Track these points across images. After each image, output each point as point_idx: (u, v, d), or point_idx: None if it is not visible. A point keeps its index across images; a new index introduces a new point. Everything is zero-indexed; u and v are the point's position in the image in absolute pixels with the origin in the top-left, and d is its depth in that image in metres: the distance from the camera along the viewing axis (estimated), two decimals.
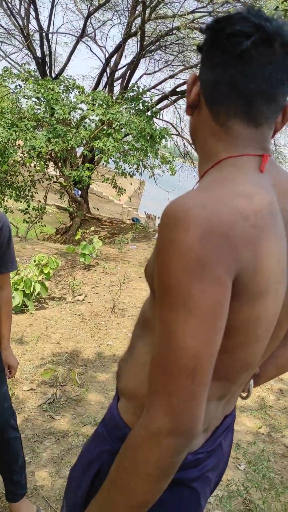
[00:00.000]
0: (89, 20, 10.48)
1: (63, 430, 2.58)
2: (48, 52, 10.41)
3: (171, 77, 11.52)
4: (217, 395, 0.83)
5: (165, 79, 11.73)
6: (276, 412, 2.98)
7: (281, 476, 2.35)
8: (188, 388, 0.65)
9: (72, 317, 4.39)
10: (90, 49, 12.49)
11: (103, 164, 8.84)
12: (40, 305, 4.69)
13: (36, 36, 10.42)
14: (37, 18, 9.84)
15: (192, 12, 8.93)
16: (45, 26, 10.17)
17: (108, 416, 0.92)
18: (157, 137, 7.79)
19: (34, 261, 4.97)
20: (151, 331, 0.82)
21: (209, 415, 0.85)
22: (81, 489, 0.90)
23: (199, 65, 0.84)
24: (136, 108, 8.40)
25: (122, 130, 7.77)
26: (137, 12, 9.41)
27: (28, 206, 8.75)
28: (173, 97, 11.15)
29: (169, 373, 0.66)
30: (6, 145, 7.40)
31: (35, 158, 7.81)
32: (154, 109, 8.77)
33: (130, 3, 9.69)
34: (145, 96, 8.95)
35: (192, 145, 0.89)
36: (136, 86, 8.78)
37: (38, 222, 9.29)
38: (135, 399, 0.86)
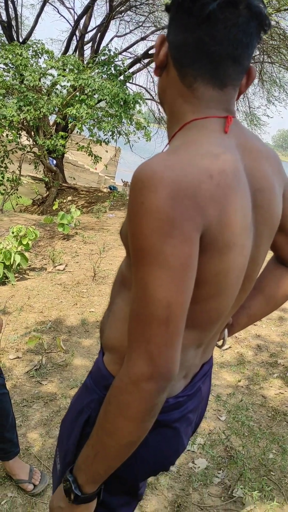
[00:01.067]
0: None
1: (51, 394, 2.67)
2: (14, 15, 9.99)
3: (142, 39, 11.25)
4: (195, 343, 0.90)
5: (136, 41, 11.45)
6: (254, 366, 3.12)
7: (259, 424, 2.50)
8: (163, 335, 0.71)
9: (53, 287, 4.43)
10: (58, 11, 12.08)
11: (77, 131, 8.69)
12: (21, 276, 4.71)
13: None
14: None
15: None
16: None
17: (95, 369, 0.98)
18: (131, 102, 7.67)
19: (13, 232, 4.95)
20: (128, 288, 0.88)
21: (188, 362, 0.92)
22: (72, 436, 0.97)
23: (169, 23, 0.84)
24: (108, 72, 8.22)
25: (95, 96, 7.62)
26: None
27: (3, 177, 8.59)
28: (146, 60, 10.91)
29: (145, 323, 0.72)
30: None
31: (7, 128, 7.62)
32: (126, 73, 8.60)
33: None
34: (116, 59, 8.74)
35: (160, 107, 0.91)
36: (107, 49, 8.56)
37: (14, 193, 9.15)
38: (117, 351, 0.92)
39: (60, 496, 0.88)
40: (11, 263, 4.46)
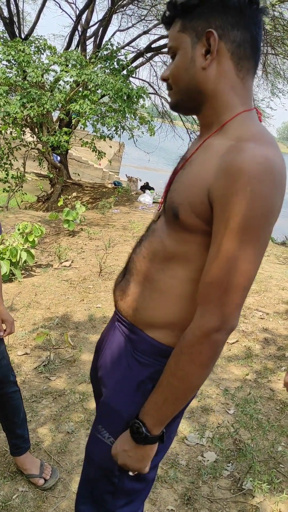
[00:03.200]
0: None
1: (59, 389, 2.68)
2: (15, 12, 9.98)
3: (145, 32, 11.19)
4: None
5: (139, 35, 11.39)
6: (262, 359, 3.12)
7: (268, 417, 2.51)
8: (238, 300, 0.87)
9: (60, 283, 4.45)
10: (60, 6, 12.02)
11: (81, 127, 8.67)
12: (27, 273, 4.73)
13: None
14: None
15: None
16: None
17: (146, 346, 1.06)
18: (135, 96, 7.63)
19: (18, 229, 4.96)
20: (182, 264, 0.99)
21: None
22: (134, 406, 1.05)
23: (210, 18, 0.92)
24: (111, 67, 8.18)
25: (98, 91, 7.59)
26: None
27: (7, 174, 8.59)
28: (149, 54, 10.86)
29: (227, 289, 0.86)
30: None
31: (11, 125, 7.61)
32: (129, 67, 8.56)
33: None
34: (119, 54, 8.70)
35: (184, 95, 0.97)
36: (109, 43, 8.51)
37: (19, 190, 9.16)
38: (175, 326, 1.01)
39: (123, 440, 1.02)
40: (18, 260, 4.47)
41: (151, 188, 11.78)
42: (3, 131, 7.96)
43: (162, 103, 12.78)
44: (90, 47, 10.74)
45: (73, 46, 10.56)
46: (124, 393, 1.08)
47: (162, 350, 1.03)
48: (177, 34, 0.96)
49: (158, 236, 1.03)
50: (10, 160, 8.67)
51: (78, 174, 11.95)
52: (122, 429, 1.06)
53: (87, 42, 10.62)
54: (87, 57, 8.98)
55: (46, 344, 3.17)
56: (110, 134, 8.45)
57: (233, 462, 2.16)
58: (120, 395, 1.09)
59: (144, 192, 10.69)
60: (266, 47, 10.29)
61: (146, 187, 12.62)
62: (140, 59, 11.02)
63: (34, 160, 9.84)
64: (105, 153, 9.10)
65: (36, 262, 5.03)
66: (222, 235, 0.85)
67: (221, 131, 0.94)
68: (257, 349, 3.27)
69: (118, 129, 8.40)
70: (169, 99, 1.06)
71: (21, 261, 4.51)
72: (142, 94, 7.82)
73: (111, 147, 12.37)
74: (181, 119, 13.24)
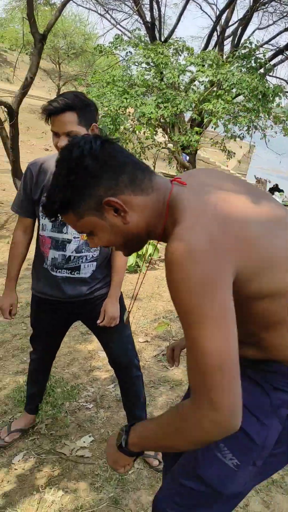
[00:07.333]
0: None
1: (177, 379, 2.73)
2: (157, 16, 10.32)
3: (286, 29, 10.72)
4: None
5: (280, 33, 10.95)
6: None
7: None
8: (220, 382, 0.79)
9: None
10: (200, 7, 12.12)
11: (212, 127, 8.68)
12: (151, 266, 4.89)
13: (146, 0, 10.37)
14: None
15: None
16: None
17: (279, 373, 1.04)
18: (270, 95, 7.40)
19: None
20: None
21: None
22: (270, 430, 1.03)
23: (92, 192, 0.93)
24: (248, 66, 8.03)
25: (232, 90, 7.51)
26: None
27: None
28: None
29: (203, 373, 0.80)
30: (118, 113, 7.61)
31: (145, 125, 7.92)
32: (267, 65, 8.31)
33: None
34: (257, 52, 8.50)
35: (133, 244, 1.05)
36: (248, 42, 8.36)
37: None
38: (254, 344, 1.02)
39: (114, 435, 1.06)
40: (143, 253, 4.65)
41: (280, 190, 11.31)
42: (137, 131, 8.32)
43: None
44: (227, 47, 10.67)
45: (210, 47, 10.60)
46: (258, 417, 1.03)
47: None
48: (79, 222, 0.97)
49: None
50: (141, 160, 9.03)
51: None
52: (251, 453, 1.02)
53: (225, 42, 10.57)
54: (224, 57, 8.93)
55: (166, 335, 3.25)
56: (241, 134, 8.31)
57: None
58: (253, 418, 1.03)
59: (273, 194, 10.31)
60: None
61: (275, 189, 12.16)
62: (279, 57, 10.61)
63: (164, 160, 10.13)
64: (234, 153, 8.98)
65: (159, 257, 5.18)
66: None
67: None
68: None
69: (250, 129, 8.21)
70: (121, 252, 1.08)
71: (146, 254, 4.68)
72: (279, 93, 7.54)
73: (241, 147, 12.16)
74: None
